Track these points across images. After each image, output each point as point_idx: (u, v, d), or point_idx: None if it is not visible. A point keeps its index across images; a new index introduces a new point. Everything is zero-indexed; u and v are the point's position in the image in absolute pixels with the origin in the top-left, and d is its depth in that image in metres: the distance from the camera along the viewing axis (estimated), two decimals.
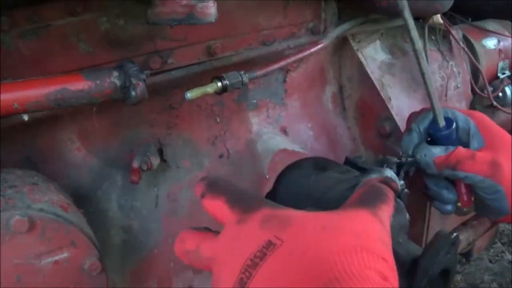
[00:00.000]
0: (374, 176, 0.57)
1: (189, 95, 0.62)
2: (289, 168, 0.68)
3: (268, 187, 0.79)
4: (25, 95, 0.52)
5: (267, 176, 0.78)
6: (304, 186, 0.64)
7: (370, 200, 0.45)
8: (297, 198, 0.64)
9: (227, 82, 0.65)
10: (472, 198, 0.75)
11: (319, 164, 0.67)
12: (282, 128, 0.87)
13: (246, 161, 0.81)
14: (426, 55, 0.94)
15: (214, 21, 0.55)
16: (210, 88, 0.64)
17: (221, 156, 0.80)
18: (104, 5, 0.63)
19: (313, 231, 0.39)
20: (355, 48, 0.92)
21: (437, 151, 0.70)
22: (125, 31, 0.66)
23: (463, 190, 0.75)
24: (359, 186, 0.51)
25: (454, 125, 0.72)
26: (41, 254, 0.49)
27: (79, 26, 0.62)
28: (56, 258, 0.50)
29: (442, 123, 0.72)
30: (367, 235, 0.40)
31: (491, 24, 1.18)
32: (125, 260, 0.71)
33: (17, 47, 0.58)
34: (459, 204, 0.76)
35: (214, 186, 0.47)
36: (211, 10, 0.54)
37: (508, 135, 0.71)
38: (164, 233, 0.73)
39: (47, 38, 0.60)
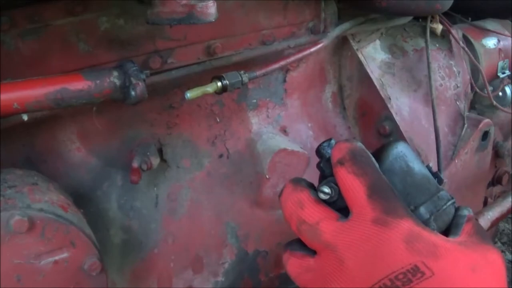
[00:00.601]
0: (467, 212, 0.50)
1: (189, 94, 0.62)
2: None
3: (268, 187, 0.79)
4: (25, 95, 0.52)
5: (267, 176, 0.78)
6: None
7: (489, 240, 0.42)
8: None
9: (227, 82, 0.65)
10: None
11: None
12: (282, 128, 0.87)
13: (246, 161, 0.81)
14: (428, 56, 0.94)
15: (214, 20, 0.55)
16: (210, 88, 0.64)
17: (221, 156, 0.80)
18: (104, 5, 0.63)
19: (463, 270, 0.37)
20: (355, 47, 0.91)
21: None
22: (125, 31, 0.66)
23: None
24: (465, 218, 0.44)
25: None
26: (41, 254, 0.49)
27: (79, 26, 0.62)
28: (56, 258, 0.50)
29: None
30: (504, 279, 0.38)
31: (491, 24, 1.18)
32: (125, 260, 0.71)
33: (17, 47, 0.58)
34: None
35: (358, 159, 0.41)
36: (210, 9, 0.54)
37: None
38: (164, 233, 0.73)
39: (47, 38, 0.60)
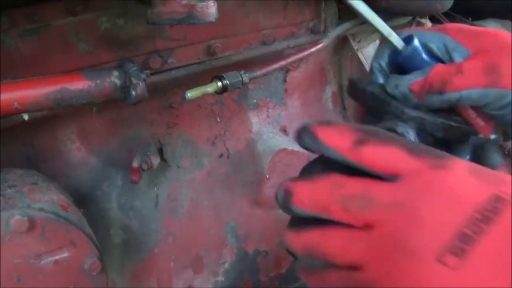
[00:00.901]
0: None
1: (189, 94, 0.62)
2: None
3: (268, 186, 0.79)
4: (25, 94, 0.52)
5: (267, 176, 0.78)
6: None
7: None
8: None
9: (227, 82, 0.65)
10: (491, 121, 0.58)
11: None
12: (282, 128, 0.87)
13: (246, 160, 0.81)
14: None
15: (214, 20, 0.55)
16: (210, 88, 0.64)
17: (221, 156, 0.80)
18: (104, 5, 0.63)
19: None
20: (355, 47, 0.91)
21: (412, 77, 0.55)
22: (125, 31, 0.66)
23: (472, 114, 0.57)
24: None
25: (416, 41, 0.57)
26: (41, 253, 0.49)
27: (79, 26, 0.62)
28: (56, 257, 0.50)
29: (399, 43, 0.58)
30: None
31: (491, 24, 1.18)
32: (125, 260, 0.71)
33: (17, 47, 0.58)
34: (480, 135, 0.58)
35: (376, 134, 0.39)
36: (211, 9, 0.54)
37: (499, 33, 0.55)
38: (164, 232, 0.73)
39: (47, 38, 0.60)
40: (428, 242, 0.34)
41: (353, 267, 0.37)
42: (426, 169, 0.36)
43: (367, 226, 0.37)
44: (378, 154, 0.38)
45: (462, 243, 0.33)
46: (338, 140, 0.39)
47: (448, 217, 0.34)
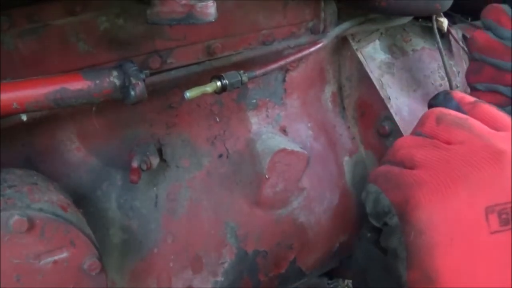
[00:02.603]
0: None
1: (188, 94, 0.62)
2: None
3: (268, 186, 0.79)
4: (24, 95, 0.52)
5: (267, 176, 0.78)
6: None
7: None
8: None
9: (227, 82, 0.65)
10: None
11: None
12: (281, 128, 0.87)
13: (245, 160, 0.81)
14: (441, 52, 0.95)
15: (213, 20, 0.55)
16: (210, 88, 0.64)
17: (220, 156, 0.80)
18: (104, 4, 0.63)
19: None
20: (354, 47, 0.92)
21: None
22: (124, 31, 0.66)
23: None
24: None
25: None
26: (41, 254, 0.49)
27: (78, 26, 0.62)
28: (56, 258, 0.50)
29: None
30: None
31: None
32: (124, 260, 0.71)
33: (17, 46, 0.58)
34: None
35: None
36: (210, 9, 0.54)
37: None
38: (164, 232, 0.74)
39: (47, 38, 0.60)
40: (487, 186, 0.39)
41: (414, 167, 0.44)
42: None
43: (447, 142, 0.44)
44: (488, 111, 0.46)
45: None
46: (463, 98, 0.49)
47: None
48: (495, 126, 0.44)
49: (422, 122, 0.47)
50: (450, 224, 0.40)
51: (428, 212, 0.40)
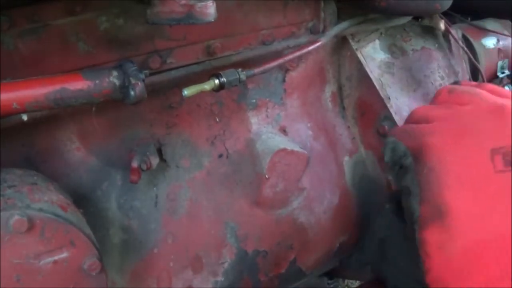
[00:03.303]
0: None
1: (186, 92, 0.62)
2: None
3: (268, 186, 0.79)
4: (24, 95, 0.52)
5: (267, 176, 0.78)
6: None
7: None
8: None
9: (224, 80, 0.65)
10: None
11: None
12: (281, 128, 0.87)
13: (245, 160, 0.81)
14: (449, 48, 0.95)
15: (213, 20, 0.55)
16: (208, 85, 0.64)
17: (220, 156, 0.80)
18: (104, 4, 0.63)
19: None
20: (354, 47, 0.92)
21: None
22: (124, 31, 0.66)
23: None
24: None
25: None
26: (41, 254, 0.49)
27: (78, 26, 0.62)
28: (56, 258, 0.50)
29: None
30: None
31: (490, 24, 1.18)
32: (124, 260, 0.71)
33: (17, 46, 0.58)
34: None
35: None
36: (210, 9, 0.54)
37: None
38: (164, 232, 0.73)
39: (47, 38, 0.60)
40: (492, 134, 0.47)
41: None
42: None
43: (457, 104, 0.52)
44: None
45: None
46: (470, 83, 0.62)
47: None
48: (498, 96, 0.52)
49: (435, 96, 0.56)
50: (459, 163, 0.46)
51: (439, 153, 0.48)
